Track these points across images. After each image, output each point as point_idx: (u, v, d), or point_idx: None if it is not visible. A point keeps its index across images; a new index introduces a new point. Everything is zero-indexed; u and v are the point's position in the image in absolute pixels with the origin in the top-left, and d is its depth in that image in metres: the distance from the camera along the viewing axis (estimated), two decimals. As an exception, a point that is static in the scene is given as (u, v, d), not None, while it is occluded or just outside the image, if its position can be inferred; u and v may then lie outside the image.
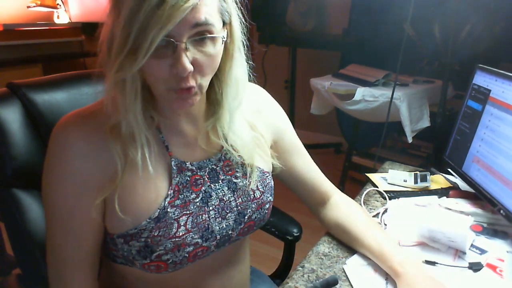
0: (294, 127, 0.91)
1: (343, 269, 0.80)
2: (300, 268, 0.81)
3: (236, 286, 0.82)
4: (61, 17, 3.52)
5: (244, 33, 0.68)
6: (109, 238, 0.69)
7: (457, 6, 1.82)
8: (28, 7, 3.28)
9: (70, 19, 3.60)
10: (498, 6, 2.12)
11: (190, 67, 0.57)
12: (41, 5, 3.31)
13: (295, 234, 1.14)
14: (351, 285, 0.75)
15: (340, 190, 0.95)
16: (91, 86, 0.91)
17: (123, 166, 0.64)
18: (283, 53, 3.38)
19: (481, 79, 1.04)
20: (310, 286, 0.52)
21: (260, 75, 3.30)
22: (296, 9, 3.09)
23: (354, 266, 0.80)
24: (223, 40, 0.63)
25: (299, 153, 0.90)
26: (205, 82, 0.63)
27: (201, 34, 0.58)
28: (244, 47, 0.69)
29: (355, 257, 0.83)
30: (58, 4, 3.47)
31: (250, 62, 0.72)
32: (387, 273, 0.76)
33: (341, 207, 0.90)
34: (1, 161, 0.79)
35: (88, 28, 3.50)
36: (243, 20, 0.67)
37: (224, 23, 0.63)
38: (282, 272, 1.20)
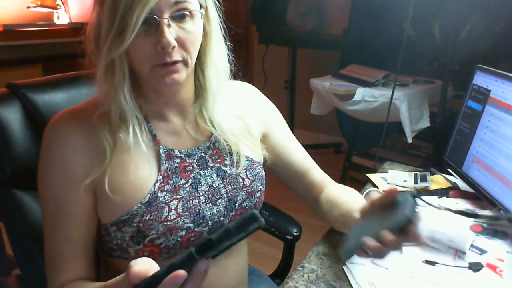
0: (294, 127, 0.92)
1: (343, 269, 0.80)
2: (300, 268, 0.81)
3: (232, 278, 0.82)
4: (61, 18, 3.52)
5: (220, 15, 0.73)
6: (103, 230, 0.70)
7: (457, 6, 1.82)
8: (28, 7, 3.28)
9: (70, 19, 3.59)
10: (498, 6, 2.12)
11: (173, 42, 0.62)
12: (41, 6, 3.31)
13: (294, 234, 1.14)
14: (351, 285, 0.75)
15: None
16: (90, 87, 0.90)
17: (112, 149, 0.67)
18: (283, 53, 3.38)
19: (481, 79, 1.04)
20: (225, 229, 0.48)
21: (260, 75, 3.30)
22: (296, 9, 3.09)
23: (354, 266, 0.80)
24: (201, 15, 0.67)
25: (292, 145, 0.90)
26: (190, 59, 0.67)
27: (180, 10, 0.63)
28: (221, 29, 0.73)
29: (355, 257, 0.83)
30: (58, 4, 3.47)
31: (228, 43, 0.76)
32: (387, 273, 0.76)
33: (337, 188, 0.91)
34: (1, 161, 0.79)
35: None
36: (218, 4, 0.72)
37: (200, 6, 0.67)
38: (282, 272, 1.20)
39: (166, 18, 0.61)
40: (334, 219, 0.85)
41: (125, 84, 0.66)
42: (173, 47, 0.62)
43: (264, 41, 3.05)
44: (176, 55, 0.64)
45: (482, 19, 2.14)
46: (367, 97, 2.12)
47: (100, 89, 0.66)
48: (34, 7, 3.29)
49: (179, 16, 0.63)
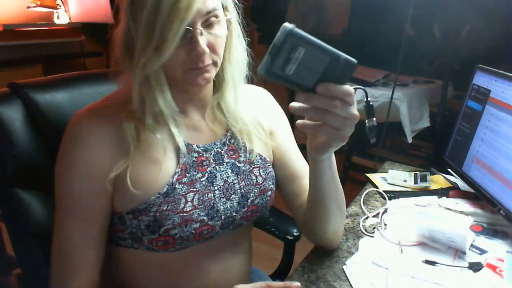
0: (294, 127, 0.91)
1: (343, 269, 0.80)
2: (300, 268, 0.81)
3: (238, 275, 0.83)
4: (61, 18, 3.51)
5: (238, 13, 0.75)
6: (116, 218, 0.71)
7: (457, 6, 1.83)
8: (28, 7, 3.27)
9: (70, 19, 3.59)
10: (498, 6, 2.12)
11: (206, 49, 0.65)
12: (41, 5, 3.30)
13: (295, 234, 1.14)
14: (351, 285, 0.76)
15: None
16: (92, 87, 0.92)
17: (136, 145, 0.69)
18: (283, 53, 3.37)
19: (481, 79, 1.04)
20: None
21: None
22: (296, 9, 3.09)
23: (354, 266, 0.81)
24: (228, 20, 0.70)
25: (293, 151, 0.89)
26: (218, 59, 0.70)
27: (210, 19, 0.66)
28: (240, 25, 0.76)
29: (355, 257, 0.84)
30: (58, 4, 3.46)
31: (247, 39, 0.78)
32: (387, 273, 0.76)
33: None
34: (2, 160, 0.79)
35: (88, 29, 3.49)
36: (237, 2, 0.75)
37: (222, 7, 0.70)
38: (282, 272, 1.20)
39: (199, 28, 0.64)
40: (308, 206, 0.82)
41: (162, 90, 0.68)
42: (206, 54, 0.65)
43: (264, 41, 3.05)
44: (208, 59, 0.67)
45: (482, 19, 2.15)
46: (367, 97, 2.12)
47: (135, 95, 0.68)
48: (34, 7, 3.28)
49: (209, 24, 0.66)
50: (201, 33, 0.64)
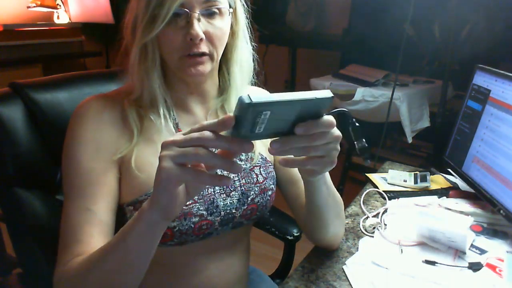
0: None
1: (343, 269, 0.80)
2: (300, 268, 0.81)
3: (235, 275, 0.83)
4: (61, 18, 3.51)
5: (247, 16, 0.77)
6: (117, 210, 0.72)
7: (457, 6, 1.83)
8: (28, 7, 3.27)
9: (70, 19, 3.59)
10: (498, 6, 2.13)
11: (201, 34, 0.67)
12: (41, 5, 3.30)
13: (295, 234, 1.14)
14: (351, 285, 0.76)
15: (340, 190, 0.95)
16: (92, 87, 0.92)
17: (139, 130, 0.71)
18: (283, 53, 3.37)
19: (481, 79, 1.04)
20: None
21: (260, 75, 3.30)
22: (296, 9, 3.09)
23: (354, 266, 0.81)
24: (230, 13, 0.72)
25: None
26: (216, 53, 0.72)
27: (210, 7, 0.68)
28: (247, 29, 0.78)
29: (355, 257, 0.84)
30: (58, 4, 3.46)
31: (253, 43, 0.80)
32: (387, 273, 0.76)
33: None
34: (3, 160, 0.79)
35: (88, 29, 3.49)
36: (246, 6, 0.77)
37: (230, 6, 0.73)
38: (282, 272, 1.20)
39: (196, 13, 0.67)
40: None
41: (155, 69, 0.71)
42: (201, 39, 0.68)
43: (264, 41, 3.05)
44: (203, 47, 0.69)
45: (482, 19, 2.15)
46: (367, 97, 2.12)
47: (133, 73, 0.71)
48: (34, 7, 3.28)
49: (209, 13, 0.69)
50: (199, 19, 0.67)
